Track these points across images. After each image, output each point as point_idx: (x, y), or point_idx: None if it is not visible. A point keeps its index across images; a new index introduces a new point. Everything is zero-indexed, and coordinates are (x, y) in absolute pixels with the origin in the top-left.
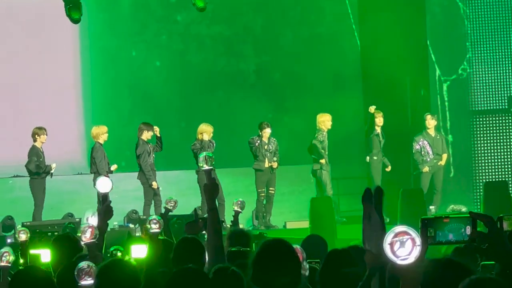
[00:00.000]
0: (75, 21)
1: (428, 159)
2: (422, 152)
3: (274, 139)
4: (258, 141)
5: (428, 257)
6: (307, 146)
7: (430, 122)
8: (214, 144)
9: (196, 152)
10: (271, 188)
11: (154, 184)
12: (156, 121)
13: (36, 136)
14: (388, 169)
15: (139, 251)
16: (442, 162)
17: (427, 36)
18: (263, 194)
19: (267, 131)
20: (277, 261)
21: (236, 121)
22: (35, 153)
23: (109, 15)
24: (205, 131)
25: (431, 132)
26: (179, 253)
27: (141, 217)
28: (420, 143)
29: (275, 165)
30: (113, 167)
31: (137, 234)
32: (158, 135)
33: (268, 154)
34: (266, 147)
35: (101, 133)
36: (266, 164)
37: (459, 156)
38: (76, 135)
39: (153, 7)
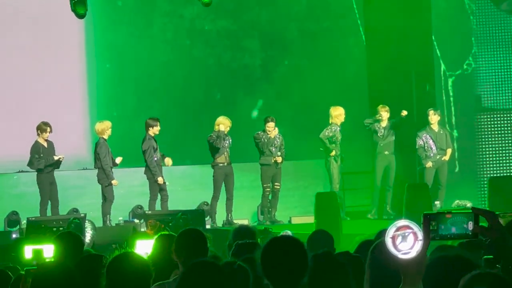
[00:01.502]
0: (81, 16)
1: (431, 155)
2: (425, 147)
3: (279, 134)
4: (264, 137)
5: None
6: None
7: (433, 117)
8: (230, 141)
9: (212, 143)
10: (276, 184)
11: (160, 180)
12: (162, 116)
13: (39, 131)
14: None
15: (144, 246)
16: (446, 157)
17: (432, 31)
18: (269, 189)
19: (272, 125)
20: (284, 255)
21: (241, 115)
22: (36, 150)
23: (115, 10)
24: (222, 123)
25: (435, 127)
26: (181, 244)
27: (146, 212)
28: (423, 138)
29: (279, 159)
30: (118, 159)
31: (142, 229)
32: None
33: (274, 149)
34: (271, 141)
35: (106, 128)
36: (273, 159)
37: (464, 151)
38: (81, 130)
39: (158, 2)
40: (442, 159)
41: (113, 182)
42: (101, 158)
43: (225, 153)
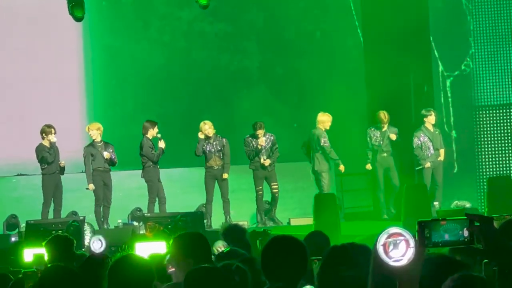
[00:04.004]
0: (78, 19)
1: (429, 155)
2: (423, 148)
3: (271, 133)
4: (252, 144)
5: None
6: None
7: (434, 118)
8: (223, 142)
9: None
10: (273, 184)
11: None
12: (159, 119)
13: (43, 134)
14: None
15: (143, 249)
16: (441, 158)
17: (430, 32)
18: (261, 192)
19: (261, 133)
20: (283, 254)
21: (239, 117)
22: (42, 150)
23: (112, 13)
24: (201, 130)
25: (430, 127)
26: (185, 249)
27: (145, 214)
28: (421, 138)
29: (266, 163)
30: (105, 154)
31: (141, 232)
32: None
33: (264, 152)
34: (260, 147)
35: (89, 130)
36: (262, 161)
37: (462, 152)
38: (79, 133)
39: (155, 4)
40: (438, 159)
41: (89, 186)
42: (84, 161)
43: (214, 157)
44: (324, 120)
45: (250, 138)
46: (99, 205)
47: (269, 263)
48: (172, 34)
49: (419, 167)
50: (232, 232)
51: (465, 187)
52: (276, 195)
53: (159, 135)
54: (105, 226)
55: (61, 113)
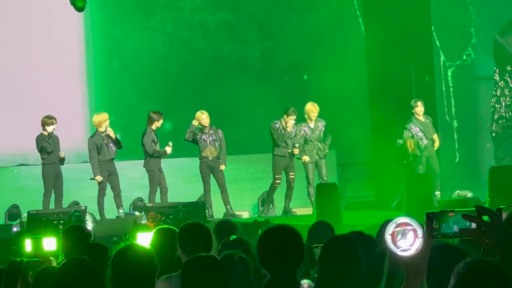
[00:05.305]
0: (80, 9)
1: (423, 145)
2: (415, 139)
3: (294, 123)
4: (281, 128)
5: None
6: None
7: (422, 108)
8: (218, 133)
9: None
10: (291, 173)
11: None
12: (162, 109)
13: (45, 126)
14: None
15: (145, 239)
16: (436, 145)
17: (431, 21)
18: (279, 181)
19: (294, 119)
20: (279, 244)
21: (241, 107)
22: (42, 140)
23: (114, 3)
24: (196, 118)
25: (420, 117)
26: (184, 238)
27: (147, 204)
28: (413, 130)
29: (296, 151)
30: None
31: (143, 222)
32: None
33: (289, 141)
34: (288, 134)
35: (102, 121)
36: (289, 149)
37: (464, 142)
38: (81, 123)
39: None
40: (434, 147)
41: (96, 178)
42: (89, 152)
43: (209, 147)
44: (307, 110)
45: (279, 123)
46: (102, 195)
47: (266, 254)
48: (174, 24)
49: (407, 160)
50: (222, 228)
51: (467, 177)
52: (292, 184)
53: (170, 143)
54: (121, 211)
55: (62, 103)
